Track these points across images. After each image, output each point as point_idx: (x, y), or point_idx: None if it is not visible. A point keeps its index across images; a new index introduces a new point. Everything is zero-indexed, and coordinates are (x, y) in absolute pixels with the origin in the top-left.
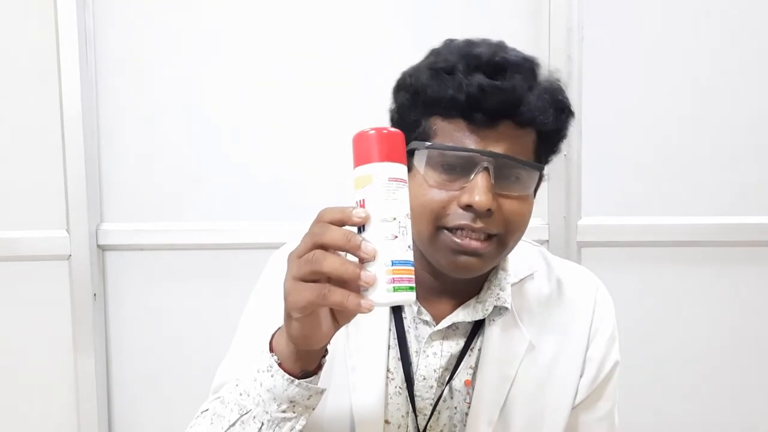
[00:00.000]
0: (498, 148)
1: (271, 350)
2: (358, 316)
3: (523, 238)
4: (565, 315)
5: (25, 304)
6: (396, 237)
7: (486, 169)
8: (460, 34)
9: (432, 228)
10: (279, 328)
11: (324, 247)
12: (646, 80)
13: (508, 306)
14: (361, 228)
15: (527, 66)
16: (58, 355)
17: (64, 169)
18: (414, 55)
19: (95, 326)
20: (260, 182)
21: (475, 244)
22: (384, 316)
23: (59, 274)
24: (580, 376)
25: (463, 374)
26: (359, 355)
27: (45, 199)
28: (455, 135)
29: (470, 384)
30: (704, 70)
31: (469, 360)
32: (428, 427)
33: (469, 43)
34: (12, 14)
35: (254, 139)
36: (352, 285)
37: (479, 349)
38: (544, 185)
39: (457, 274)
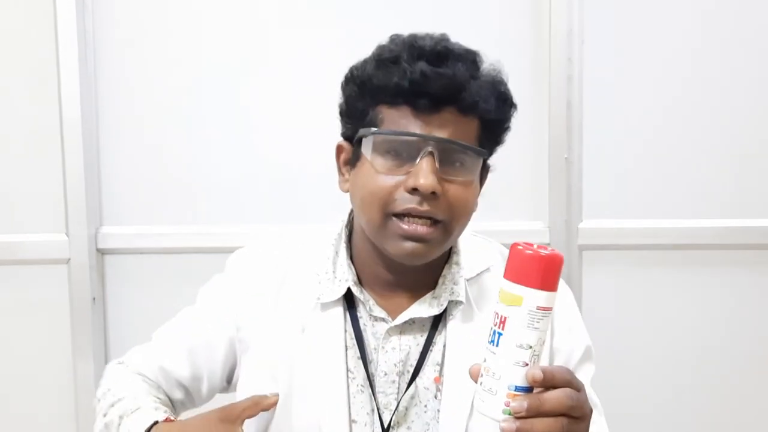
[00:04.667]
0: (442, 134)
1: None
2: (313, 322)
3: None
4: None
5: (24, 308)
6: (526, 365)
7: (431, 153)
8: (461, 36)
9: (381, 215)
10: (156, 423)
11: None
12: (647, 83)
13: (463, 300)
14: (494, 339)
15: (469, 57)
16: (57, 359)
17: (64, 172)
18: None
19: (94, 330)
20: (260, 185)
21: (421, 230)
22: (338, 319)
23: (58, 278)
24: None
25: (430, 371)
26: (317, 359)
27: (44, 202)
28: (401, 122)
29: (440, 381)
30: (705, 73)
31: (434, 356)
32: (394, 423)
33: (413, 36)
34: (12, 16)
35: (254, 143)
36: None
37: (444, 345)
38: (545, 188)
39: (404, 260)
